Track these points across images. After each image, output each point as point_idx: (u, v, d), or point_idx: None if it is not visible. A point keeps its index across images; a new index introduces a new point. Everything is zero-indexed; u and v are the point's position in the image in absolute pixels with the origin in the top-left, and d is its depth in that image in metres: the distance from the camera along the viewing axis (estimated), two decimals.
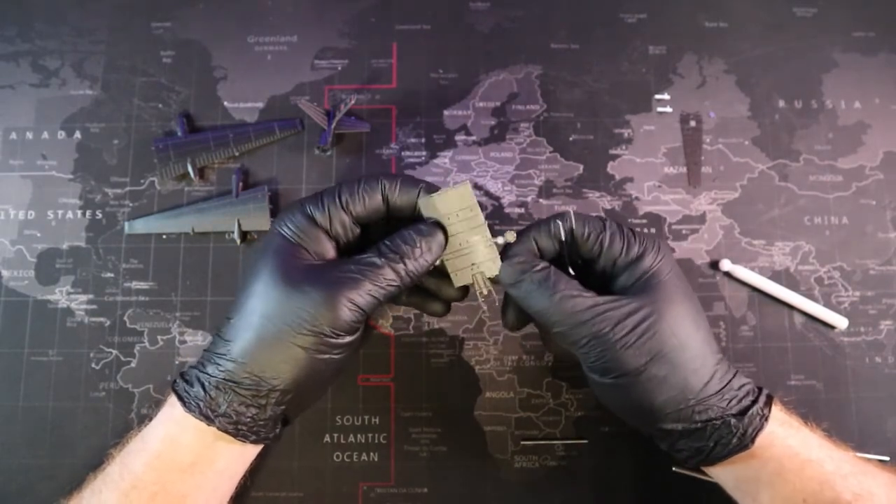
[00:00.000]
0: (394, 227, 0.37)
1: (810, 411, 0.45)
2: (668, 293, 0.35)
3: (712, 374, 0.34)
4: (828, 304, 0.46)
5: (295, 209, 0.36)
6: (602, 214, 0.38)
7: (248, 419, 0.34)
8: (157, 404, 0.38)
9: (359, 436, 0.44)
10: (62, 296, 0.46)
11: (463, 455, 0.44)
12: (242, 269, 0.46)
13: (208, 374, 0.34)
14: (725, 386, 0.34)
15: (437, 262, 0.37)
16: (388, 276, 0.34)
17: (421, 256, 0.35)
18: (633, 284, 0.35)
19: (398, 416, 0.45)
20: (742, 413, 0.34)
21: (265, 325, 0.33)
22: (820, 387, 0.45)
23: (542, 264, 0.35)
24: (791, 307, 0.46)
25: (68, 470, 0.44)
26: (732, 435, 0.34)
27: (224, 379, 0.34)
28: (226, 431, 0.34)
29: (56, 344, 0.45)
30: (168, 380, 0.45)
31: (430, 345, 0.46)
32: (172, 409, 0.35)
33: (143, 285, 0.46)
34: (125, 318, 0.46)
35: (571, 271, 0.37)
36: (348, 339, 0.34)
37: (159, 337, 0.45)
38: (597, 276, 0.37)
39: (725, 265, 0.46)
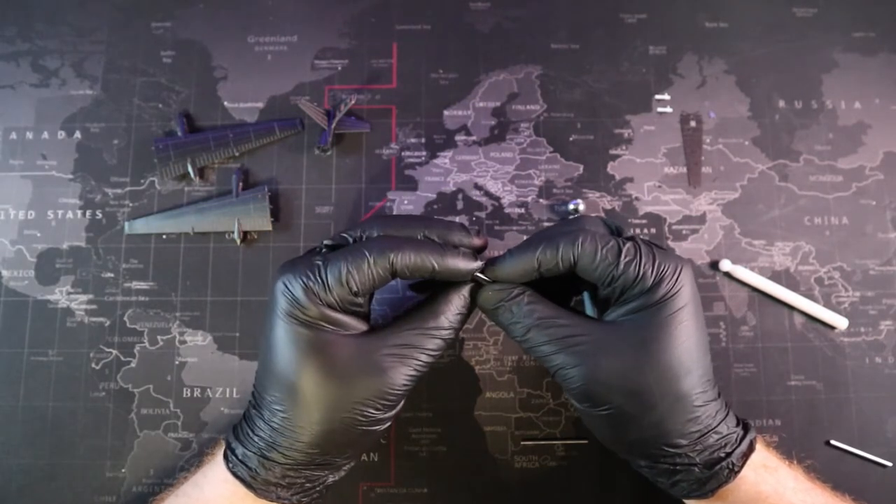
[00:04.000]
0: None
1: (810, 411, 0.45)
2: (666, 333, 0.32)
3: (693, 419, 0.33)
4: (828, 305, 0.46)
5: (300, 291, 0.33)
6: (618, 225, 0.36)
7: (319, 486, 0.36)
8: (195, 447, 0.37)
9: None
10: (62, 296, 0.46)
11: (463, 455, 0.44)
12: (243, 269, 0.46)
13: (275, 461, 0.34)
14: (705, 434, 0.33)
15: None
16: (435, 346, 0.35)
17: (463, 319, 0.36)
18: (637, 313, 0.33)
19: (398, 416, 0.45)
20: (711, 465, 0.33)
21: (328, 421, 0.33)
22: (820, 387, 0.45)
23: (517, 292, 0.35)
24: (791, 307, 0.46)
25: (68, 470, 0.44)
26: (694, 482, 0.33)
27: (293, 466, 0.34)
28: (300, 502, 0.36)
29: (56, 344, 0.45)
30: (168, 380, 0.45)
31: None
32: (233, 486, 0.35)
33: (143, 285, 0.46)
34: (125, 318, 0.46)
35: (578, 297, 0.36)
36: (400, 405, 0.36)
37: (159, 337, 0.45)
38: (603, 299, 0.36)
39: (725, 265, 0.46)
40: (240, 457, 0.35)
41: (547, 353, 0.34)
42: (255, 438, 0.34)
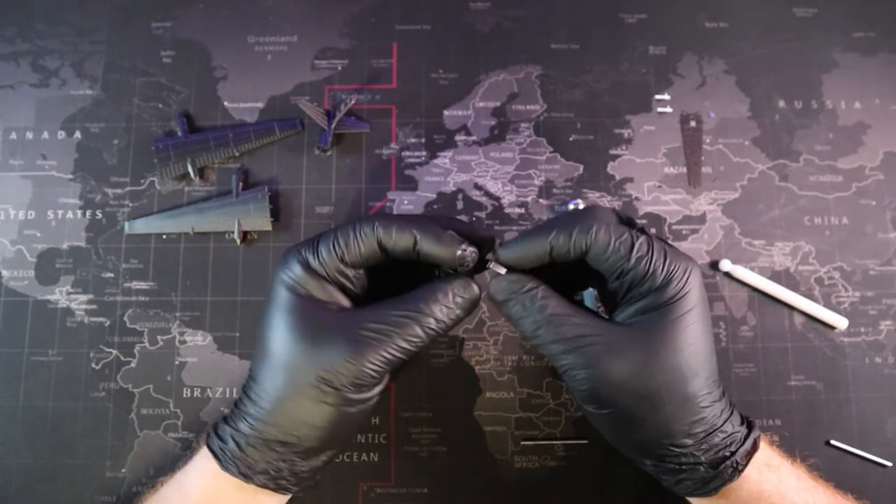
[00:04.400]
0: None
1: (810, 411, 0.45)
2: (675, 336, 0.32)
3: (699, 420, 0.33)
4: (828, 305, 0.46)
5: (293, 259, 0.35)
6: (629, 217, 0.36)
7: (287, 472, 0.35)
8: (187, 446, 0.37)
9: (359, 436, 0.44)
10: (62, 296, 0.46)
11: (463, 455, 0.44)
12: (243, 269, 0.46)
13: (242, 432, 0.34)
14: (710, 434, 0.33)
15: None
16: (414, 334, 0.33)
17: (452, 312, 0.34)
18: (645, 314, 0.33)
19: (398, 416, 0.45)
20: (716, 464, 0.33)
21: (291, 385, 0.33)
22: (820, 387, 0.45)
23: (530, 285, 0.34)
24: (791, 307, 0.46)
25: (68, 470, 0.44)
26: (698, 481, 0.33)
27: (259, 438, 0.34)
28: (265, 487, 0.34)
29: (56, 344, 0.45)
30: (168, 380, 0.45)
31: (430, 345, 0.46)
32: (210, 462, 0.35)
33: (143, 285, 0.46)
34: (125, 318, 0.46)
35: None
36: (376, 389, 0.35)
37: (159, 337, 0.45)
38: (610, 292, 0.35)
39: (725, 265, 0.46)
40: (217, 430, 0.35)
41: (556, 351, 0.33)
42: (235, 411, 0.35)
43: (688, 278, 0.33)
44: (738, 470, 0.33)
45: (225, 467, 0.34)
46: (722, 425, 0.33)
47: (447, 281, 0.35)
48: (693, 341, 0.33)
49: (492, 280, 0.35)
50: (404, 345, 0.33)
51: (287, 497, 0.37)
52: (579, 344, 0.33)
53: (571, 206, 0.46)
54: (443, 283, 0.35)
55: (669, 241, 0.47)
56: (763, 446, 0.34)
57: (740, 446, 0.33)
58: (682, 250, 0.46)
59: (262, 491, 0.34)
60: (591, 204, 0.47)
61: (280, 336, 0.34)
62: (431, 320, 0.34)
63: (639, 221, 0.47)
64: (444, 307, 0.34)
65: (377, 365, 0.33)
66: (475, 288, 0.35)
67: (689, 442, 0.33)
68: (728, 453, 0.33)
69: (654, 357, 0.32)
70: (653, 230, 0.47)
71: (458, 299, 0.35)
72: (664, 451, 0.33)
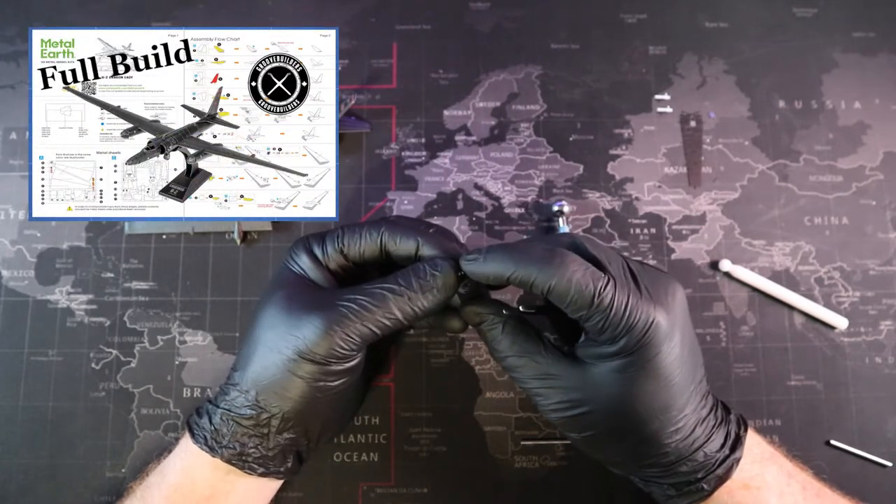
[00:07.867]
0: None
1: (810, 411, 0.45)
2: (631, 387, 0.32)
3: (662, 454, 0.33)
4: (828, 305, 0.46)
5: (300, 245, 0.37)
6: (598, 258, 0.33)
7: (253, 450, 0.34)
8: (172, 435, 0.38)
9: (359, 436, 0.44)
10: (62, 296, 0.46)
11: (463, 455, 0.44)
12: (243, 269, 0.46)
13: (216, 405, 0.35)
14: (676, 463, 0.33)
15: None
16: (389, 312, 0.33)
17: (429, 295, 0.34)
18: (603, 360, 0.33)
19: (398, 416, 0.45)
20: (679, 487, 0.33)
21: (265, 353, 0.34)
22: (820, 387, 0.45)
23: (498, 319, 0.35)
24: (791, 307, 0.46)
25: (68, 470, 0.44)
26: (664, 496, 0.35)
27: (227, 409, 0.34)
28: (230, 462, 0.34)
29: (56, 344, 0.45)
30: (168, 380, 0.45)
31: (430, 345, 0.46)
32: (187, 443, 0.35)
33: (143, 285, 0.46)
34: (125, 318, 0.46)
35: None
36: (345, 366, 0.34)
37: (159, 337, 0.45)
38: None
39: (725, 265, 0.46)
40: (199, 408, 0.36)
41: (523, 384, 0.35)
42: (220, 388, 0.36)
43: (647, 330, 0.31)
44: (703, 494, 0.33)
45: (196, 440, 0.34)
46: (691, 454, 0.33)
47: (427, 260, 0.34)
48: (651, 388, 0.32)
49: (463, 305, 0.36)
50: (378, 317, 0.33)
51: (266, 485, 0.37)
52: (543, 381, 0.34)
53: (556, 208, 0.46)
54: (422, 262, 0.34)
55: (669, 242, 0.47)
56: (748, 464, 0.34)
57: (710, 473, 0.33)
58: (680, 251, 0.47)
59: (234, 471, 0.35)
60: (590, 204, 0.47)
61: (265, 309, 0.35)
62: (406, 295, 0.33)
63: (638, 221, 0.47)
64: (420, 283, 0.33)
65: (345, 337, 0.33)
66: (452, 271, 0.34)
67: (652, 470, 0.34)
68: (693, 479, 0.33)
69: (610, 405, 0.32)
70: (652, 230, 0.47)
71: (435, 276, 0.34)
72: (627, 470, 0.35)
